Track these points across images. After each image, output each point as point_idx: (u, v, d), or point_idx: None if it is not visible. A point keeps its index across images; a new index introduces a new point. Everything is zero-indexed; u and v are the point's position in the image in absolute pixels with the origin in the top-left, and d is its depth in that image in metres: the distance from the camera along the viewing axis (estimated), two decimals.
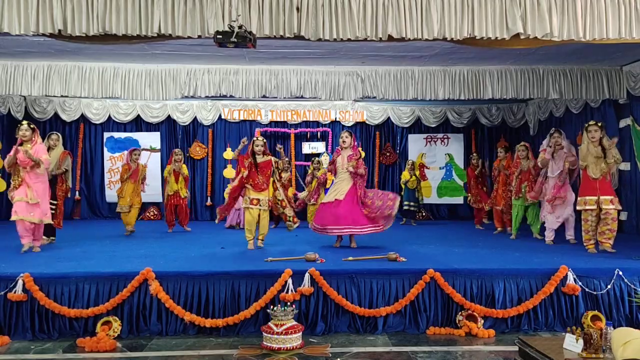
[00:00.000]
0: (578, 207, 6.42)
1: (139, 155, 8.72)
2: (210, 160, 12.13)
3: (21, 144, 6.22)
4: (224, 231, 9.17)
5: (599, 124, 6.35)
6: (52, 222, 6.59)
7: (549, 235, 7.25)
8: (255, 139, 6.78)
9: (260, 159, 6.56)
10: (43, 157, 6.24)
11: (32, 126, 6.38)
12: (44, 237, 6.94)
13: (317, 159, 10.71)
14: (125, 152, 11.71)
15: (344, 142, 6.72)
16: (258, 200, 6.45)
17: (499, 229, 8.76)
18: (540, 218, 7.72)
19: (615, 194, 6.32)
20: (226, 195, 11.80)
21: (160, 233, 8.74)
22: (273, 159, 6.64)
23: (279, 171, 6.77)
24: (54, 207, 6.97)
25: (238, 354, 4.20)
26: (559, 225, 7.26)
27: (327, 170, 7.21)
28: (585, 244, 6.35)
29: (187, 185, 9.54)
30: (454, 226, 10.46)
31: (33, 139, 6.28)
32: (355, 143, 6.95)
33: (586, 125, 6.43)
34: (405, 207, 10.72)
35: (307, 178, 10.47)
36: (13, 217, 6.17)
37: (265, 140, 6.72)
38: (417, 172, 10.85)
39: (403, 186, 10.85)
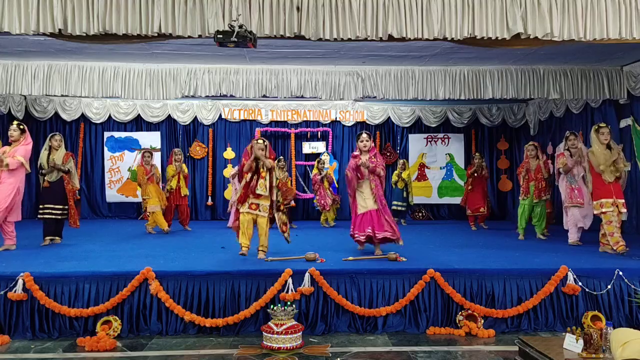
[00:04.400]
0: (595, 212, 6.30)
1: (151, 156, 8.81)
2: (210, 160, 12.14)
3: (10, 144, 6.21)
4: (224, 231, 9.17)
5: (609, 126, 6.32)
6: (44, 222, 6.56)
7: (575, 237, 7.10)
8: (255, 141, 5.91)
9: (260, 156, 5.79)
10: (14, 159, 6.12)
11: (21, 127, 6.36)
12: (54, 237, 6.99)
13: (321, 158, 10.70)
14: (126, 152, 11.83)
15: (365, 145, 6.11)
16: (257, 205, 5.78)
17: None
18: (565, 224, 7.32)
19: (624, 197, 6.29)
20: (227, 196, 11.93)
21: (161, 233, 8.74)
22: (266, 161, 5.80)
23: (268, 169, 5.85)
24: (65, 210, 6.97)
25: (238, 353, 4.20)
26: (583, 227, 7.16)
27: (351, 172, 6.16)
28: (615, 247, 6.00)
29: (187, 183, 9.62)
30: (454, 226, 10.47)
31: (20, 139, 6.27)
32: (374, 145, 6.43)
33: (596, 127, 6.31)
34: (394, 207, 10.83)
35: (314, 178, 10.37)
36: None
37: (266, 141, 5.91)
38: (405, 174, 10.83)
39: (394, 186, 10.92)
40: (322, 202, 10.12)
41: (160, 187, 8.98)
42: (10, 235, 6.33)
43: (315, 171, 10.34)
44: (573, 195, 7.15)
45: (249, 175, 5.73)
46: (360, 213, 6.05)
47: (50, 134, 7.22)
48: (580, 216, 7.13)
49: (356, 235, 6.07)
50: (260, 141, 5.84)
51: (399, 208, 10.83)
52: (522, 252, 6.30)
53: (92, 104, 11.69)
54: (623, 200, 6.17)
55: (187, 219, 9.38)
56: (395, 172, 10.96)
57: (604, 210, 6.14)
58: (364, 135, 6.20)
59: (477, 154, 10.24)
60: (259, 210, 5.77)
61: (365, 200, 6.04)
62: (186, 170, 9.41)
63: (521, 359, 3.52)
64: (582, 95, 8.74)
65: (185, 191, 9.26)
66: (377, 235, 5.90)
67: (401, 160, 11.14)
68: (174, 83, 8.58)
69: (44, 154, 6.93)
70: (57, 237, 7.03)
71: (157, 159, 11.81)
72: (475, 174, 9.66)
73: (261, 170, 5.73)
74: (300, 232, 8.87)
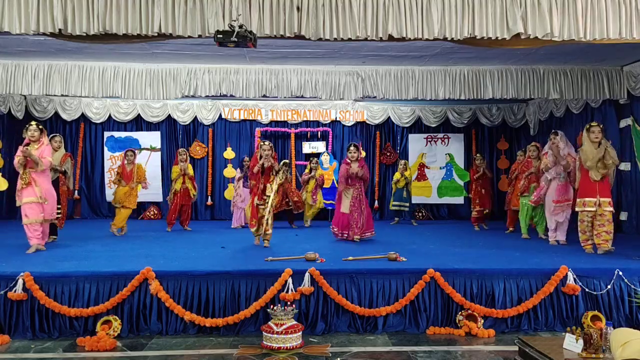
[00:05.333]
0: (576, 209, 6.38)
1: (134, 155, 8.68)
2: (210, 159, 12.13)
3: (28, 144, 6.23)
4: (224, 231, 9.18)
5: (601, 125, 6.34)
6: (55, 222, 6.62)
7: (552, 236, 7.23)
8: (262, 143, 6.82)
9: (267, 163, 6.67)
10: (46, 159, 6.26)
11: (40, 127, 6.42)
12: (50, 235, 6.99)
13: (315, 158, 10.70)
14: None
15: (352, 156, 7.43)
16: (264, 201, 6.67)
17: (510, 229, 8.73)
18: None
19: (611, 196, 6.31)
20: (227, 196, 11.93)
21: (161, 233, 8.74)
22: (275, 165, 6.75)
23: (277, 172, 6.82)
24: (59, 210, 7.01)
25: (238, 353, 4.21)
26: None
27: (341, 181, 7.61)
28: (582, 244, 6.30)
29: (194, 184, 9.58)
30: (454, 226, 10.47)
31: (40, 139, 6.31)
32: (362, 155, 7.68)
33: (587, 125, 6.36)
34: (394, 208, 10.81)
35: (303, 177, 10.47)
36: (25, 221, 6.14)
37: (271, 145, 6.82)
38: (408, 173, 10.84)
39: (394, 186, 10.91)
40: (296, 198, 10.04)
41: (147, 185, 8.83)
42: (47, 235, 6.53)
43: (307, 170, 10.38)
44: (539, 193, 7.37)
45: (261, 177, 6.73)
46: (341, 212, 7.43)
47: (51, 136, 7.22)
48: (552, 221, 7.22)
49: (335, 229, 7.56)
50: (267, 145, 6.76)
51: (403, 208, 10.82)
52: (522, 252, 6.30)
53: (92, 103, 11.68)
54: (609, 199, 6.18)
55: (188, 220, 9.36)
56: (397, 172, 10.95)
57: (586, 208, 6.21)
58: (352, 148, 7.48)
59: (478, 155, 10.21)
60: (268, 207, 6.67)
61: (346, 204, 7.40)
62: (191, 172, 9.32)
63: (521, 359, 3.52)
64: (582, 95, 8.74)
65: (193, 192, 9.23)
66: (351, 235, 7.31)
67: (402, 161, 11.14)
68: (174, 83, 8.57)
69: None
70: (52, 236, 7.04)
71: (157, 159, 11.87)
72: (480, 180, 9.66)
73: (271, 173, 6.73)
74: (300, 232, 8.87)
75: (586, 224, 6.23)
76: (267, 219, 6.62)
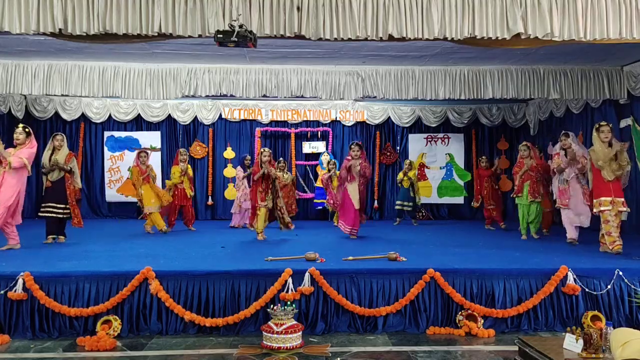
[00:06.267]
0: (594, 210, 6.32)
1: (147, 156, 8.77)
2: (210, 159, 12.14)
3: (15, 147, 6.22)
4: (225, 231, 9.17)
5: (610, 125, 6.33)
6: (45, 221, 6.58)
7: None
8: (263, 150, 7.57)
9: (266, 171, 7.37)
10: (20, 158, 6.12)
11: (27, 130, 6.38)
12: (58, 236, 7.01)
13: (332, 160, 10.66)
14: (126, 152, 11.82)
15: (355, 155, 7.74)
16: (265, 201, 7.49)
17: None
18: (564, 222, 7.46)
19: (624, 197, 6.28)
20: (227, 195, 11.93)
21: (161, 232, 8.73)
22: (272, 171, 7.47)
23: (274, 175, 7.57)
24: (68, 210, 7.00)
25: (238, 353, 4.20)
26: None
27: (340, 176, 8.11)
28: (610, 247, 6.07)
29: (192, 184, 9.60)
30: (454, 226, 10.47)
31: (26, 142, 6.28)
32: (364, 152, 7.96)
33: (597, 125, 6.34)
34: (398, 207, 10.80)
35: (323, 177, 10.36)
36: None
37: (270, 151, 7.61)
38: (412, 173, 10.81)
39: (400, 185, 10.90)
40: (332, 201, 10.13)
41: (159, 186, 9.01)
42: (12, 236, 6.34)
43: (325, 171, 10.34)
44: (561, 197, 7.25)
45: (262, 181, 7.48)
46: (347, 209, 7.76)
47: (53, 134, 7.24)
48: (573, 215, 7.17)
49: (342, 226, 7.93)
50: (267, 152, 7.50)
51: (405, 208, 10.78)
52: (522, 252, 6.30)
53: (92, 103, 11.69)
54: (622, 199, 6.16)
55: (193, 220, 9.40)
56: (402, 171, 10.94)
57: (602, 208, 6.15)
58: (354, 147, 7.80)
59: (483, 157, 10.18)
60: (265, 204, 7.55)
61: (352, 200, 7.68)
62: (191, 172, 9.38)
63: (521, 359, 3.52)
64: (582, 95, 8.74)
65: (190, 192, 9.26)
66: (353, 230, 7.71)
67: (407, 160, 11.14)
68: (174, 83, 8.57)
69: (46, 153, 6.96)
70: (61, 236, 7.06)
71: (157, 158, 11.86)
72: (493, 177, 9.66)
73: (269, 179, 7.51)
74: (300, 232, 8.87)
75: (611, 223, 6.11)
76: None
